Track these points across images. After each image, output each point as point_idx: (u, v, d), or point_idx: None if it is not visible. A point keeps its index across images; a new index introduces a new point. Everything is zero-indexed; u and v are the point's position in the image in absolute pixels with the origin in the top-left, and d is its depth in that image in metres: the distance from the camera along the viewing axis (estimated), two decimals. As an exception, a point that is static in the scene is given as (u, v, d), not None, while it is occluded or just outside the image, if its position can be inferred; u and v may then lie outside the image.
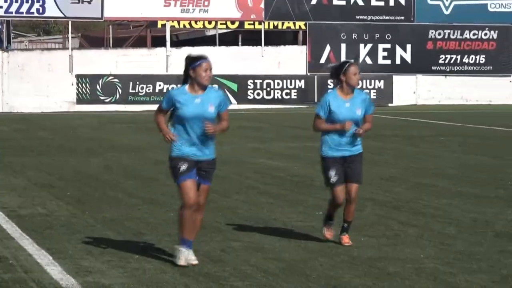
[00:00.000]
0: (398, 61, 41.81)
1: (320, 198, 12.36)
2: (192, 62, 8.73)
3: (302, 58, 41.18)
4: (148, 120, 31.96)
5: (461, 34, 42.12)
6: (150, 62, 39.88)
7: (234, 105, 37.86)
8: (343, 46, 41.30)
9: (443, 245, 9.80)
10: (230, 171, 16.43)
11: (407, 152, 20.91)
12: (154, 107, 33.41)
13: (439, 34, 42.00)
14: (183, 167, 8.66)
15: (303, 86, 40.56)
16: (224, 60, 38.84)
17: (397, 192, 13.85)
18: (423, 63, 41.39)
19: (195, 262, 8.66)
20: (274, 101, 40.22)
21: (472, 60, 41.98)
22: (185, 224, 8.71)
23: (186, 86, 8.79)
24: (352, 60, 10.11)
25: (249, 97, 39.68)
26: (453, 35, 42.13)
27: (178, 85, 9.18)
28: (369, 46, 41.45)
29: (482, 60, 42.19)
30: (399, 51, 41.60)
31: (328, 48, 41.10)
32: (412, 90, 41.73)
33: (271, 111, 37.77)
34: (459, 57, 41.81)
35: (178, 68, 39.60)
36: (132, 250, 9.62)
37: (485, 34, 42.29)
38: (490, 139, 24.44)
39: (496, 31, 42.27)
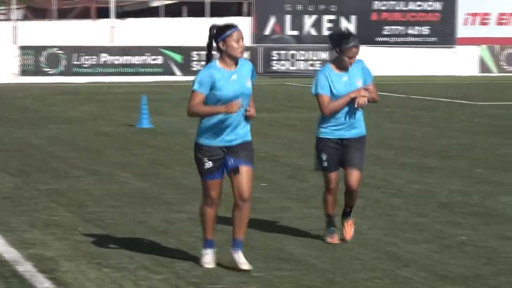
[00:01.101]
0: (343, 33, 42.02)
1: (265, 169, 12.51)
2: (220, 32, 7.50)
3: (246, 29, 41.19)
4: (93, 91, 32.31)
5: (406, 5, 42.53)
6: (95, 34, 39.59)
7: (179, 76, 37.92)
8: (288, 17, 41.43)
9: (387, 216, 9.92)
10: (173, 143, 16.54)
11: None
12: (99, 78, 33.40)
13: (384, 5, 42.39)
14: (209, 164, 7.53)
15: (247, 57, 40.49)
16: (169, 32, 39.05)
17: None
18: (368, 35, 41.65)
19: (246, 266, 7.50)
20: (218, 72, 40.09)
21: (416, 31, 42.42)
22: (206, 222, 7.73)
23: (217, 62, 7.52)
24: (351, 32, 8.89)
25: (193, 69, 39.54)
26: (397, 6, 42.52)
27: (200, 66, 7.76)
28: (313, 17, 41.57)
29: (426, 32, 42.65)
30: (343, 22, 41.81)
31: (272, 19, 41.19)
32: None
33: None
34: (403, 28, 42.20)
35: (122, 39, 39.93)
36: (76, 222, 9.57)
37: (430, 5, 42.72)
38: (434, 110, 24.75)
39: (441, 3, 42.71)
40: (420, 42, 42.91)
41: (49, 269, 7.68)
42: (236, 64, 7.48)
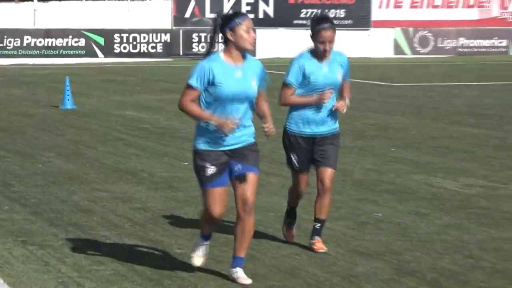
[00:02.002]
0: (261, 15, 42.18)
1: (186, 149, 12.41)
2: (228, 21, 6.48)
3: (167, 12, 41.18)
4: (17, 73, 31.91)
5: (322, -12, 42.84)
6: (18, 16, 39.10)
7: (101, 59, 37.85)
8: (207, 0, 41.37)
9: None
10: (96, 123, 16.56)
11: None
12: (23, 60, 32.79)
13: (301, -12, 42.64)
14: (211, 170, 6.46)
15: (168, 40, 40.54)
16: (91, 14, 38.87)
17: (258, 143, 13.98)
18: (285, 18, 41.91)
19: (246, 281, 6.62)
20: (140, 54, 39.94)
21: (332, 14, 42.75)
22: (206, 229, 6.84)
23: (220, 54, 6.49)
24: (326, 18, 7.92)
25: (115, 51, 39.42)
26: (314, -11, 42.82)
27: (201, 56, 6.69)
28: (232, 0, 41.59)
29: (342, 14, 42.99)
30: (262, 5, 42.03)
31: (192, 2, 41.17)
32: (274, 44, 42.20)
33: (137, 65, 37.55)
34: (320, 11, 42.46)
35: (45, 22, 39.49)
36: (1, 201, 9.54)
37: (346, -11, 43.14)
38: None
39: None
40: (336, 25, 43.13)
41: (-27, 248, 7.65)
42: (243, 58, 6.49)
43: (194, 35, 40.31)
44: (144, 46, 40.17)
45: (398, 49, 42.84)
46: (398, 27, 43.15)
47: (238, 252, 6.58)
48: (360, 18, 43.20)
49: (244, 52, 6.45)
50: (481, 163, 12.33)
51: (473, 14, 44.52)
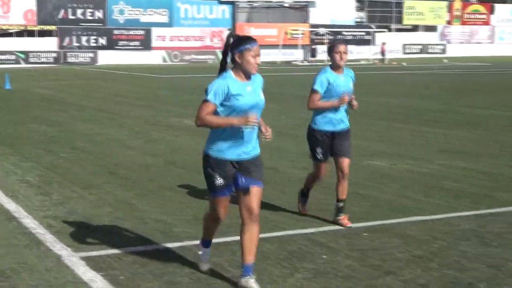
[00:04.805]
0: None
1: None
2: (239, 44, 5.96)
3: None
4: None
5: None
6: None
7: (24, 65, 51.17)
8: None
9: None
10: (22, 96, 25.21)
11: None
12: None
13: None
14: (220, 181, 6.07)
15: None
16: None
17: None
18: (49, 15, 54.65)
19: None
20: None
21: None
22: (209, 230, 6.66)
23: (231, 73, 6.01)
24: (341, 40, 8.78)
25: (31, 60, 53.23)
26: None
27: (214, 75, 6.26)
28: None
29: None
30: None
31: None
32: None
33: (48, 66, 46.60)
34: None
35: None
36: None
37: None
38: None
39: None
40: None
41: None
42: (249, 77, 6.05)
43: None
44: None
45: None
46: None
47: (247, 259, 6.04)
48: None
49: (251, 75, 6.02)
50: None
51: None
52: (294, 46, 67.31)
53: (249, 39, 6.02)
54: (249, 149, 6.13)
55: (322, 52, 62.44)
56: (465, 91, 30.56)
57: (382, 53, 65.10)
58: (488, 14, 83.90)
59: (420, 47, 78.23)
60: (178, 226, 8.35)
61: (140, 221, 8.57)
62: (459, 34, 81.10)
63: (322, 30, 66.33)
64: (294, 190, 10.06)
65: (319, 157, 8.49)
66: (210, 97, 5.98)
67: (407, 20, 78.69)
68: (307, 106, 8.35)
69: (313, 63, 58.57)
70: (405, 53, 75.26)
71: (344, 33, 71.10)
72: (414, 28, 79.98)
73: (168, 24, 65.26)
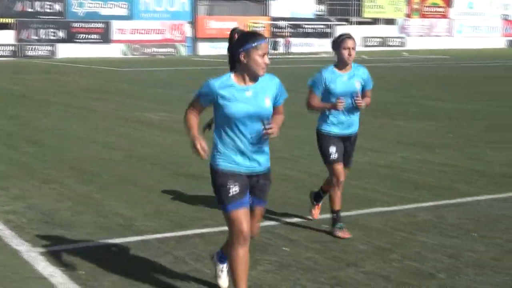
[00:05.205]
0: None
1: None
2: (244, 41, 5.12)
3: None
4: None
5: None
6: None
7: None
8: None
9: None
10: None
11: None
12: None
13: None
14: (235, 189, 5.14)
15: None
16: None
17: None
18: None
19: None
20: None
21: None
22: (240, 267, 5.26)
23: (231, 75, 5.19)
24: (349, 34, 7.65)
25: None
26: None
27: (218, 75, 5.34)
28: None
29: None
30: None
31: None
32: None
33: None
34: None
35: None
36: None
37: None
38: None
39: None
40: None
41: None
42: (256, 80, 5.17)
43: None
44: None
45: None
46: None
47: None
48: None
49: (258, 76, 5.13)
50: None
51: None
52: (255, 39, 67.03)
53: (255, 36, 5.18)
54: (263, 160, 5.31)
55: (283, 45, 62.61)
56: (425, 84, 30.84)
57: (343, 46, 65.21)
58: (446, 7, 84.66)
59: (379, 40, 78.77)
60: (139, 220, 8.30)
61: (101, 215, 8.51)
62: (418, 27, 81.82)
63: (282, 23, 66.40)
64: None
65: (333, 157, 7.56)
66: (196, 94, 5.31)
67: (367, 13, 79.15)
68: (306, 104, 7.60)
69: (275, 56, 58.62)
70: (365, 46, 75.65)
71: (305, 26, 71.35)
72: (374, 21, 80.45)
73: (128, 17, 64.87)
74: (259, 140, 5.21)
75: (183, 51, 66.45)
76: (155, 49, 64.93)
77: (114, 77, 36.12)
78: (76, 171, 11.43)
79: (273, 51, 63.73)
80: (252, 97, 5.14)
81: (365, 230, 7.89)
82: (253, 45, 5.10)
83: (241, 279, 5.27)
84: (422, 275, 6.41)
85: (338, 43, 7.48)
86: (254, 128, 5.17)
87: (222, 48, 66.35)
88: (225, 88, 5.14)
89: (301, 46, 70.46)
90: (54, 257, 6.86)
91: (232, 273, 5.32)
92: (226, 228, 7.66)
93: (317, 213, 8.29)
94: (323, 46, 69.24)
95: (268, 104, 5.19)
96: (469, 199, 9.53)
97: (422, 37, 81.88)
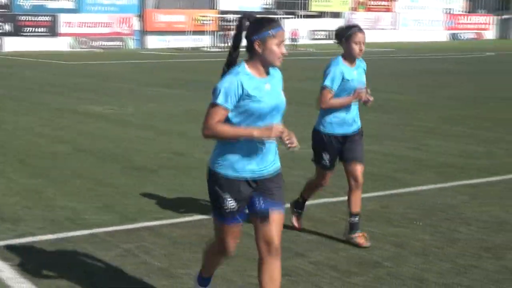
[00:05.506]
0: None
1: None
2: (259, 28, 4.45)
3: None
4: None
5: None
6: None
7: None
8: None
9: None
10: None
11: None
12: None
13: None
14: (231, 204, 4.58)
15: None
16: None
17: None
18: None
19: None
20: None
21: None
22: (212, 266, 5.15)
23: (245, 66, 4.50)
24: (359, 26, 6.96)
25: None
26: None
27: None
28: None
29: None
30: None
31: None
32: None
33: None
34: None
35: None
36: None
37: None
38: None
39: None
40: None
41: None
42: (268, 72, 4.60)
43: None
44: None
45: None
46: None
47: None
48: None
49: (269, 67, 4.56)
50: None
51: None
52: (203, 33, 67.08)
53: (271, 22, 4.48)
54: (269, 162, 4.66)
55: (231, 39, 62.51)
56: (370, 76, 31.00)
57: (294, 39, 65.50)
58: (391, 1, 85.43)
59: (326, 33, 79.10)
60: (87, 213, 8.24)
61: (49, 209, 8.43)
62: (364, 20, 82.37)
63: (230, 17, 66.33)
64: (202, 175, 10.05)
65: (325, 164, 7.14)
66: (220, 99, 4.41)
67: (314, 7, 79.49)
68: (319, 106, 6.89)
69: (223, 49, 58.53)
70: (312, 39, 75.93)
71: (252, 19, 71.16)
72: (321, 15, 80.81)
73: (76, 10, 64.15)
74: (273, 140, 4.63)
75: (131, 44, 65.91)
76: (103, 43, 64.29)
77: (62, 71, 35.69)
78: (24, 164, 11.30)
79: (221, 45, 63.59)
80: (271, 90, 4.57)
81: (312, 221, 7.94)
82: (269, 32, 4.45)
83: (210, 270, 5.20)
84: (369, 264, 6.48)
85: (348, 36, 6.81)
86: (272, 122, 4.56)
87: (170, 41, 66.10)
88: (248, 82, 4.46)
89: (248, 39, 70.33)
90: (2, 252, 6.77)
91: (204, 264, 5.15)
92: (174, 220, 7.77)
93: (299, 224, 7.66)
94: (271, 39, 69.20)
95: (283, 96, 4.68)
96: (413, 189, 9.65)
97: (368, 30, 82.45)
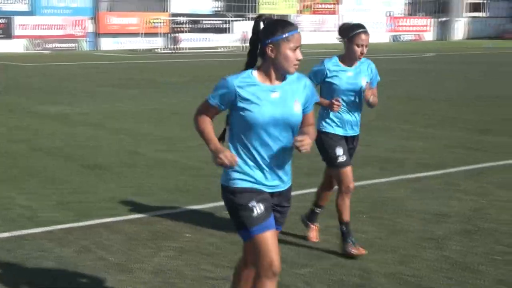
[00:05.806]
0: None
1: None
2: (273, 31, 3.95)
3: None
4: None
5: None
6: None
7: None
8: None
9: None
10: None
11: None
12: None
13: None
14: (260, 208, 3.97)
15: None
16: None
17: None
18: None
19: None
20: None
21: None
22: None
23: (254, 72, 4.02)
24: (363, 27, 6.42)
25: None
26: None
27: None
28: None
29: None
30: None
31: None
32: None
33: None
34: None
35: None
36: None
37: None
38: None
39: None
40: None
41: None
42: (283, 78, 4.05)
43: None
44: None
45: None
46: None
47: None
48: None
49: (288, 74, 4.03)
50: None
51: None
52: (156, 35, 66.76)
53: (286, 25, 3.95)
54: (286, 178, 4.16)
55: (184, 40, 62.46)
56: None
57: (244, 40, 65.54)
58: (336, 4, 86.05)
59: (274, 35, 79.21)
60: (44, 211, 8.15)
61: (5, 208, 8.32)
62: (310, 23, 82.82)
63: (182, 19, 66.14)
64: (158, 172, 10.07)
65: (341, 160, 6.40)
66: (210, 96, 4.05)
67: (262, 10, 79.58)
68: None
69: (176, 51, 58.37)
70: (260, 41, 75.89)
71: (203, 22, 71.20)
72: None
73: (30, 13, 63.26)
74: (284, 153, 4.06)
75: (85, 46, 65.26)
76: (57, 45, 63.50)
77: (17, 72, 35.16)
78: (-20, 164, 11.11)
79: (173, 46, 63.31)
80: (279, 99, 3.98)
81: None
82: (284, 36, 3.92)
83: None
84: (316, 256, 6.52)
85: (351, 37, 6.32)
86: (279, 137, 4.02)
87: (124, 43, 65.62)
88: (246, 87, 3.96)
89: (199, 41, 70.25)
90: (-41, 249, 6.65)
91: None
92: (129, 216, 7.77)
93: (316, 235, 7.04)
94: (219, 41, 69.29)
95: (297, 109, 4.04)
96: (359, 183, 9.73)
97: (314, 32, 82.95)
